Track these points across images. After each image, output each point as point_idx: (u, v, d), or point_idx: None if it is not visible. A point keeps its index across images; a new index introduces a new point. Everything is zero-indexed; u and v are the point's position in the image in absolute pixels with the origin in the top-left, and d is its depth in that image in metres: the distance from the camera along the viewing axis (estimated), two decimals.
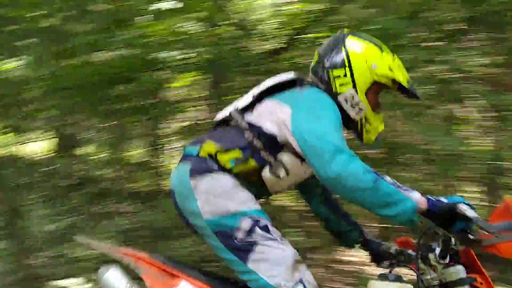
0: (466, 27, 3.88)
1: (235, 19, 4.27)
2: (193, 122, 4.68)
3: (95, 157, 7.47)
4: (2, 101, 4.62)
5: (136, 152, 9.55)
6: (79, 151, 7.08)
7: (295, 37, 4.15)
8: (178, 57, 4.00)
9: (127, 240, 4.20)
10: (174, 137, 5.28)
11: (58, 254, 4.12)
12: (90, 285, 3.27)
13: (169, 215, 4.40)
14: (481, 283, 1.69)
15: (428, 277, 1.72)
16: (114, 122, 7.30)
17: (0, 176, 3.55)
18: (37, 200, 5.17)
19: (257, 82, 2.04)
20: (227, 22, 4.18)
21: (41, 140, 6.04)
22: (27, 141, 6.34)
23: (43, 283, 3.58)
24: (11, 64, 3.28)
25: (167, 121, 5.26)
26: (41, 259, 4.06)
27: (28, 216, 3.80)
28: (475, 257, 1.73)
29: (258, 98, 1.88)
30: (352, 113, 1.84)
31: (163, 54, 3.92)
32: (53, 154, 8.00)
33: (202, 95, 4.68)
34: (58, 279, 3.61)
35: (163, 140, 5.49)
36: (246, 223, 1.65)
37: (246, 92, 2.02)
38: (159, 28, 4.08)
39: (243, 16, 4.38)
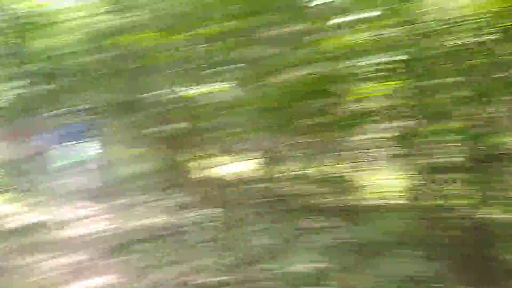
0: None
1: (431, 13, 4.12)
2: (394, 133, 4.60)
3: (297, 173, 7.75)
4: (211, 124, 4.84)
5: (330, 167, 9.74)
6: (281, 168, 7.35)
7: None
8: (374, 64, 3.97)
9: (333, 256, 4.23)
10: (372, 150, 5.30)
11: (271, 268, 4.20)
12: None
13: (377, 231, 4.52)
14: None
15: None
16: (309, 138, 7.45)
17: (216, 194, 3.56)
18: (249, 216, 5.37)
19: None
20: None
21: (247, 160, 6.34)
22: (235, 162, 6.66)
23: None
24: (216, 88, 3.46)
25: (359, 134, 5.24)
26: (255, 272, 4.15)
27: (243, 230, 4.00)
28: None
29: None
30: None
31: (359, 62, 3.98)
32: (259, 173, 8.44)
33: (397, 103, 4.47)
34: None
35: (358, 153, 5.53)
36: None
37: None
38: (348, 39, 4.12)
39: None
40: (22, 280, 4.74)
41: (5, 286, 4.62)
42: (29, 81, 9.68)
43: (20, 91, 11.93)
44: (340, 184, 7.84)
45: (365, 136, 5.05)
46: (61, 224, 6.75)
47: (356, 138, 5.29)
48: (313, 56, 3.76)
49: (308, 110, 4.52)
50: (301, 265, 3.91)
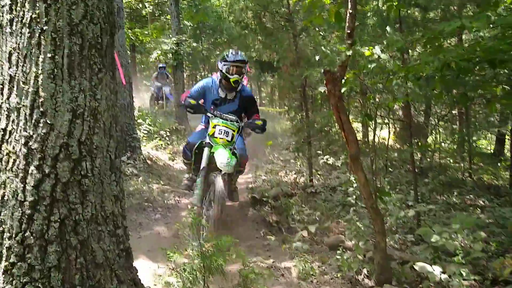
0: None
1: None
2: None
3: (440, 145, 7.87)
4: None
5: (486, 142, 9.71)
6: (423, 140, 7.51)
7: None
8: None
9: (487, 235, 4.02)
10: None
11: (410, 240, 4.31)
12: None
13: None
14: None
15: None
16: (461, 110, 7.30)
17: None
18: (389, 184, 5.61)
19: None
20: None
21: (389, 127, 6.52)
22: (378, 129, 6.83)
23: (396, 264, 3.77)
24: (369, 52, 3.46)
25: None
26: (394, 241, 4.29)
27: (387, 199, 4.18)
28: None
29: None
30: None
31: None
32: (399, 141, 8.72)
33: None
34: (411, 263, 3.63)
35: None
36: None
37: None
38: None
39: None
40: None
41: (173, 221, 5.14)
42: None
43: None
44: (492, 160, 7.42)
45: None
46: None
47: None
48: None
49: (471, 80, 4.18)
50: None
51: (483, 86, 4.06)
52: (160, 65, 15.14)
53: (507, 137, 8.38)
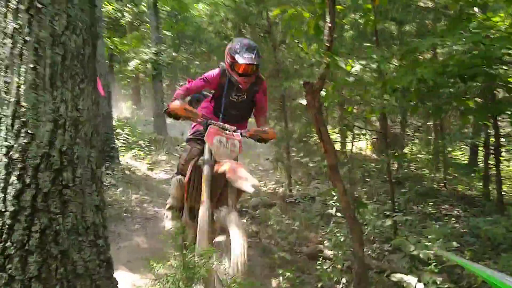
0: None
1: None
2: None
3: (416, 156, 7.96)
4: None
5: (460, 153, 9.89)
6: (400, 150, 7.62)
7: None
8: None
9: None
10: None
11: (387, 249, 4.41)
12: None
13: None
14: None
15: None
16: (436, 122, 7.45)
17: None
18: (366, 195, 5.65)
19: None
20: None
21: (366, 138, 6.60)
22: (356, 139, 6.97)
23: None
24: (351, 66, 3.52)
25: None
26: (372, 251, 4.40)
27: (364, 210, 4.22)
28: None
29: None
30: None
31: None
32: (376, 152, 8.81)
33: None
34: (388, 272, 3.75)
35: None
36: None
37: None
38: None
39: None
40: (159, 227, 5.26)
41: (152, 231, 5.12)
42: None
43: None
44: (467, 171, 7.60)
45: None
46: None
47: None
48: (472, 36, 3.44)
49: (445, 93, 4.29)
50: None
51: (456, 99, 4.17)
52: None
53: (480, 148, 8.61)
